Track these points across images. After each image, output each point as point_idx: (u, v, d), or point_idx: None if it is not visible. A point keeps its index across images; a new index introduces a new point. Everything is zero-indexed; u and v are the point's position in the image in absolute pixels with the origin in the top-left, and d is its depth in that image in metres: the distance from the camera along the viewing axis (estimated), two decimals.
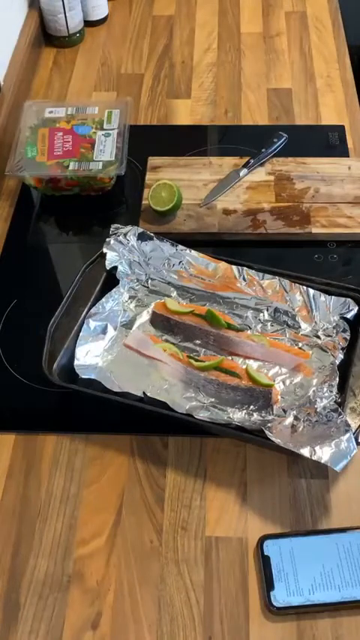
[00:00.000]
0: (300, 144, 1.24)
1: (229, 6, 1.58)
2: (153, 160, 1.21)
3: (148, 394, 0.87)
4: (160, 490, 0.85)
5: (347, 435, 0.80)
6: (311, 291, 0.97)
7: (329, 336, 0.95)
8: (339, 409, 0.84)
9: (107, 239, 1.02)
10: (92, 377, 0.90)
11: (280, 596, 0.75)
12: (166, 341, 0.96)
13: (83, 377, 0.90)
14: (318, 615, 0.75)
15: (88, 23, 1.52)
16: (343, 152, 1.24)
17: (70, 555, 0.80)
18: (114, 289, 0.99)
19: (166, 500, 0.84)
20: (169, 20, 1.56)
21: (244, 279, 0.99)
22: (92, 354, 0.94)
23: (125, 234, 1.02)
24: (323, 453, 0.78)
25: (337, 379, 0.89)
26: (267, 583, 0.76)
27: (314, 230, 1.10)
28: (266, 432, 0.82)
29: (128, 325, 0.98)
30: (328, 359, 0.93)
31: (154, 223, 1.11)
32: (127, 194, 1.20)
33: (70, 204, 1.17)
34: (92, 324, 0.95)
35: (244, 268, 1.00)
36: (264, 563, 0.77)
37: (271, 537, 0.79)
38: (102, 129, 1.19)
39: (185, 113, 1.35)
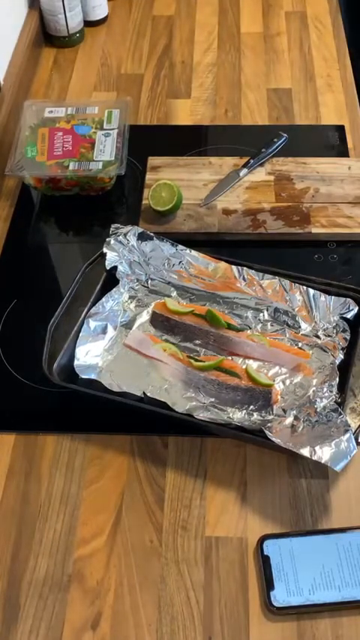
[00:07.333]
0: (300, 144, 1.24)
1: (229, 6, 1.58)
2: (153, 160, 1.21)
3: (148, 394, 0.87)
4: (160, 490, 0.85)
5: (347, 435, 0.80)
6: (311, 291, 0.97)
7: (329, 336, 0.95)
8: (339, 409, 0.84)
9: (107, 239, 1.02)
10: (92, 377, 0.90)
11: (280, 596, 0.75)
12: (166, 341, 0.96)
13: (83, 377, 0.90)
14: (318, 615, 0.75)
15: (88, 23, 1.52)
16: (343, 152, 1.24)
17: (70, 555, 0.80)
18: (114, 289, 0.99)
19: (166, 501, 0.84)
20: (169, 20, 1.56)
21: (244, 279, 0.99)
22: (92, 354, 0.94)
23: (125, 234, 1.02)
24: (323, 453, 0.78)
25: (337, 379, 0.89)
26: (267, 583, 0.76)
27: (314, 230, 1.10)
28: (266, 432, 0.82)
29: (128, 325, 0.98)
30: (328, 359, 0.93)
31: (154, 223, 1.11)
32: (127, 194, 1.20)
33: (70, 204, 1.17)
34: (92, 324, 0.95)
35: (244, 268, 1.00)
36: (264, 563, 0.77)
37: (271, 537, 0.79)
38: (102, 129, 1.19)
39: (185, 113, 1.35)
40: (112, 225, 1.04)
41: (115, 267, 1.01)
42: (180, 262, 1.02)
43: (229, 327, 0.96)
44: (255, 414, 0.88)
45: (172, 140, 1.29)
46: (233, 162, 1.20)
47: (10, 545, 0.81)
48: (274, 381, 0.91)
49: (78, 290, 0.97)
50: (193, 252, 1.02)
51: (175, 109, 1.36)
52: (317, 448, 0.79)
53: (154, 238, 1.03)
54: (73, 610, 0.77)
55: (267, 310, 0.98)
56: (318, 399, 0.87)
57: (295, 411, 0.87)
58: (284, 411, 0.88)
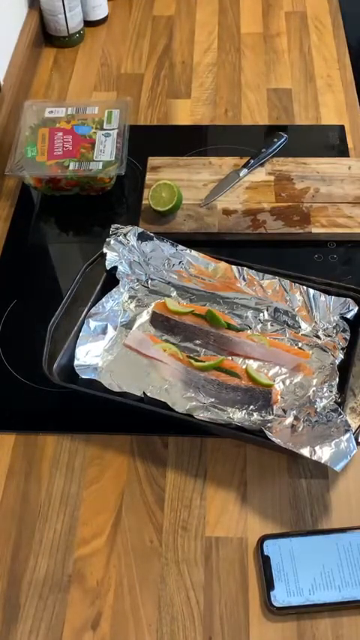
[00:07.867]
0: (300, 144, 1.24)
1: (229, 6, 1.58)
2: (153, 160, 1.21)
3: (148, 394, 0.87)
4: (160, 490, 0.85)
5: (347, 435, 0.80)
6: (311, 291, 0.97)
7: (329, 336, 0.95)
8: (339, 409, 0.84)
9: (107, 239, 1.02)
10: (92, 377, 0.90)
11: (280, 596, 0.75)
12: (166, 341, 0.96)
13: (83, 377, 0.90)
14: (318, 615, 0.75)
15: (88, 23, 1.52)
16: (343, 152, 1.24)
17: (70, 555, 0.80)
18: (114, 289, 0.99)
19: (166, 500, 0.84)
20: (169, 20, 1.56)
21: (244, 279, 0.99)
22: (92, 354, 0.94)
23: (125, 234, 1.02)
24: (323, 453, 0.78)
25: (337, 379, 0.89)
26: (267, 583, 0.76)
27: (314, 230, 1.10)
28: (266, 432, 0.82)
29: (128, 325, 0.98)
30: (328, 359, 0.93)
31: (154, 223, 1.11)
32: (127, 194, 1.20)
33: (70, 204, 1.17)
34: (92, 324, 0.95)
35: (244, 268, 1.00)
36: (264, 563, 0.77)
37: (271, 537, 0.79)
38: (102, 129, 1.19)
39: (185, 113, 1.35)
40: (112, 226, 1.04)
41: (115, 267, 1.01)
42: (180, 262, 1.02)
43: (229, 327, 0.96)
44: (255, 414, 0.88)
45: (172, 140, 1.29)
46: (233, 162, 1.20)
47: (10, 545, 0.81)
48: (274, 381, 0.91)
49: (78, 290, 0.97)
50: (193, 252, 1.02)
51: (175, 109, 1.36)
52: (317, 448, 0.79)
53: (154, 238, 1.03)
54: (73, 610, 0.77)
55: (267, 310, 0.98)
56: (318, 399, 0.87)
57: (295, 411, 0.87)
58: (284, 411, 0.88)
